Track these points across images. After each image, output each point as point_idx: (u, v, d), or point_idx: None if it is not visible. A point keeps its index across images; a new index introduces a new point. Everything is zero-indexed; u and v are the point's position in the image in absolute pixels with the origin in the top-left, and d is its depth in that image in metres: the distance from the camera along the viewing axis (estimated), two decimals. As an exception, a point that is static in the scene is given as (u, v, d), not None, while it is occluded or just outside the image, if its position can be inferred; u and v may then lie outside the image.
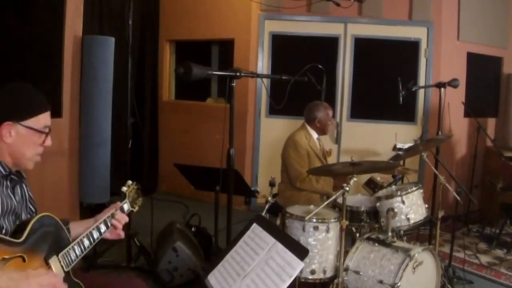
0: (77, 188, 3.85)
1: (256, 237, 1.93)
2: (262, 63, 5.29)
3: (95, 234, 1.74)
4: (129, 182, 2.02)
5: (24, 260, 1.45)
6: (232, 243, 2.01)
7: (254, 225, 2.00)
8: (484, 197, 5.13)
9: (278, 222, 2.79)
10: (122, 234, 1.87)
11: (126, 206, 1.93)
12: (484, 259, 3.96)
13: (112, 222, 1.82)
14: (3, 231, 1.49)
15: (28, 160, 1.64)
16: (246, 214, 4.88)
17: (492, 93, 5.67)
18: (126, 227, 1.93)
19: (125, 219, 1.88)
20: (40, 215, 1.58)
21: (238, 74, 2.41)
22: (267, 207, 2.80)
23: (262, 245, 1.87)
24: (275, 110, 5.11)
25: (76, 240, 1.66)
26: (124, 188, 1.97)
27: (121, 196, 1.96)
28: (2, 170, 1.58)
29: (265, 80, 4.81)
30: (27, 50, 3.39)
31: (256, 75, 2.89)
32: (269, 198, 2.81)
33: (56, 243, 1.60)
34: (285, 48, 5.28)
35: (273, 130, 5.23)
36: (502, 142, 5.36)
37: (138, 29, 5.69)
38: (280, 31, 5.27)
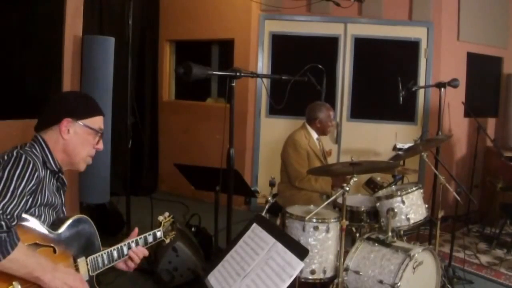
0: (77, 188, 3.85)
1: (256, 237, 1.93)
2: (262, 63, 5.29)
3: (125, 250, 1.79)
4: (166, 213, 2.05)
5: (55, 251, 1.52)
6: (232, 243, 2.01)
7: (254, 225, 2.00)
8: (484, 197, 5.13)
9: (278, 222, 2.79)
10: (131, 267, 1.86)
11: (159, 234, 1.97)
12: (484, 259, 3.96)
13: (130, 254, 1.81)
14: (41, 220, 1.54)
15: (81, 160, 1.70)
16: (246, 214, 4.88)
17: (492, 93, 5.67)
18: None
19: (145, 253, 1.88)
20: (79, 215, 1.66)
21: (238, 74, 2.40)
22: (267, 207, 2.80)
23: (262, 245, 1.86)
24: (275, 110, 5.11)
25: (107, 250, 1.72)
26: (161, 218, 2.01)
27: (157, 224, 2.00)
28: (54, 166, 1.63)
29: (265, 80, 4.80)
30: (27, 50, 3.39)
31: (256, 75, 2.88)
32: (269, 198, 2.81)
33: (88, 246, 1.67)
34: (285, 48, 5.28)
35: (273, 130, 5.23)
36: (502, 142, 5.36)
37: (138, 29, 5.69)
38: (280, 31, 5.27)
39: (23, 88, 3.36)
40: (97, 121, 1.71)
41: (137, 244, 1.84)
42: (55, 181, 1.66)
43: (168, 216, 2.05)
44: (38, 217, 1.53)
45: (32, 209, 1.51)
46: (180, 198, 5.44)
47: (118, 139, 4.40)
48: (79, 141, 1.66)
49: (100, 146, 1.74)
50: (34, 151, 1.58)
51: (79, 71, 3.83)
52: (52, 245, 1.51)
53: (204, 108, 5.89)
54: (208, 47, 6.03)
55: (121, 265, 1.84)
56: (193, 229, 3.80)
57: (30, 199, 1.48)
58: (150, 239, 1.91)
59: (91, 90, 3.79)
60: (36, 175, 1.48)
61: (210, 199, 3.33)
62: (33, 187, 1.48)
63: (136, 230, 1.92)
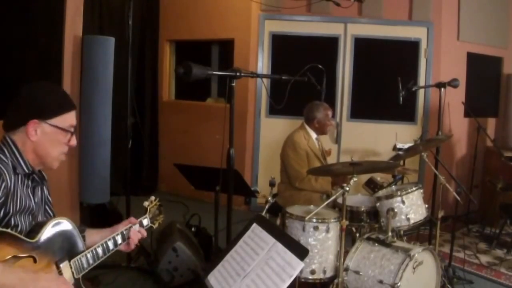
0: (77, 188, 3.85)
1: (256, 237, 1.93)
2: (262, 63, 5.29)
3: (111, 245, 1.73)
4: (152, 197, 2.02)
5: (35, 261, 1.44)
6: (232, 243, 2.01)
7: (254, 225, 2.00)
8: (484, 197, 5.13)
9: (278, 222, 2.79)
10: (132, 247, 1.85)
11: (145, 221, 1.93)
12: (484, 259, 3.96)
13: (130, 234, 1.80)
14: (18, 229, 1.48)
15: (53, 160, 1.63)
16: (246, 214, 4.88)
17: (492, 93, 5.67)
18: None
19: (143, 234, 1.87)
20: (57, 218, 1.58)
21: (238, 74, 2.40)
22: (267, 207, 2.79)
23: (262, 245, 1.86)
24: (275, 110, 5.11)
25: (90, 249, 1.65)
26: (146, 203, 1.97)
27: (143, 211, 1.96)
28: (25, 168, 1.57)
29: (265, 80, 4.80)
30: (27, 50, 3.39)
31: (256, 75, 2.88)
32: (269, 198, 2.81)
33: (70, 248, 1.59)
34: (285, 48, 5.28)
35: (273, 130, 5.23)
36: (502, 142, 5.36)
37: (138, 29, 5.69)
38: (280, 31, 5.27)
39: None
40: (67, 119, 1.62)
41: (123, 237, 1.79)
42: (29, 182, 1.60)
43: (154, 200, 2.01)
44: (15, 227, 1.47)
45: (6, 220, 1.45)
46: (180, 198, 5.44)
47: (118, 139, 4.40)
48: (49, 141, 1.59)
49: (73, 142, 1.65)
50: (2, 156, 1.51)
51: (79, 71, 3.83)
52: (32, 254, 1.43)
53: (204, 108, 5.89)
54: (208, 47, 6.03)
55: (121, 247, 1.81)
56: (193, 229, 3.81)
57: (2, 212, 1.42)
58: (135, 228, 1.86)
59: (91, 90, 3.79)
60: (3, 186, 1.42)
61: (210, 199, 3.33)
62: (2, 199, 1.42)
63: (132, 219, 1.88)
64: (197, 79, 2.28)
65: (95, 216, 4.06)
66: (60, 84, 3.61)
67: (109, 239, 1.73)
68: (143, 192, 5.53)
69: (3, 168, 1.45)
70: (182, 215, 4.79)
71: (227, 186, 2.53)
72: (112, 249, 1.74)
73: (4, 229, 1.40)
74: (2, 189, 1.41)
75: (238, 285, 1.78)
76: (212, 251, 3.52)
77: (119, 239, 1.77)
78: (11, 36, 3.28)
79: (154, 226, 2.00)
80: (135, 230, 1.84)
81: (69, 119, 1.63)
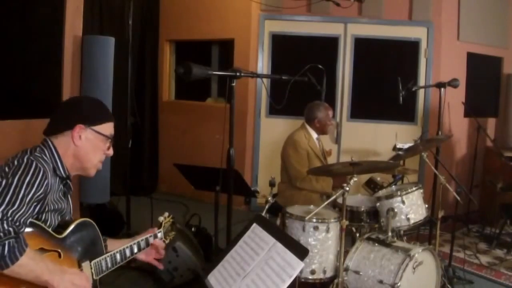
0: (77, 188, 3.85)
1: (256, 237, 1.93)
2: (262, 63, 5.29)
3: (128, 253, 1.83)
4: (166, 214, 2.08)
5: (59, 256, 1.54)
6: (232, 243, 2.01)
7: (254, 225, 2.00)
8: (484, 197, 5.13)
9: (278, 222, 2.79)
10: (162, 253, 1.97)
11: (159, 235, 2.00)
12: (484, 259, 3.96)
13: (153, 242, 1.91)
14: (47, 224, 1.55)
15: (92, 166, 1.72)
16: (246, 214, 4.89)
17: (492, 93, 5.67)
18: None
19: (162, 246, 1.97)
20: (82, 219, 1.67)
21: (238, 74, 2.41)
22: (267, 207, 2.79)
23: (262, 245, 1.86)
24: (275, 110, 5.11)
25: (110, 253, 1.75)
26: (161, 218, 2.03)
27: (157, 225, 2.03)
28: (62, 172, 1.64)
29: (265, 80, 4.80)
30: (27, 50, 3.39)
31: (256, 75, 2.88)
32: (269, 198, 2.81)
33: (92, 249, 1.69)
34: (285, 48, 5.28)
35: (273, 130, 5.23)
36: (502, 142, 5.36)
37: (138, 29, 5.69)
38: (280, 31, 5.27)
39: (23, 88, 3.36)
40: (108, 128, 1.74)
41: (139, 246, 1.88)
42: (62, 187, 1.67)
43: (168, 217, 2.07)
44: (44, 222, 1.54)
45: (39, 215, 1.52)
46: (180, 198, 5.44)
47: (118, 139, 4.38)
48: (91, 147, 1.68)
49: (111, 151, 1.78)
50: (44, 157, 1.58)
51: (79, 71, 3.83)
52: (57, 249, 1.53)
53: (204, 108, 5.89)
54: (208, 47, 6.03)
55: (143, 256, 1.92)
56: (193, 229, 3.80)
57: (38, 206, 1.49)
58: (151, 240, 1.94)
59: (91, 90, 3.79)
60: (45, 183, 1.49)
61: (210, 199, 3.33)
62: (42, 195, 1.48)
63: (155, 229, 1.97)
64: (197, 79, 2.28)
65: (95, 216, 4.05)
66: (60, 84, 3.61)
67: (127, 247, 1.83)
68: (143, 192, 5.53)
69: (46, 167, 1.53)
70: (182, 215, 4.79)
71: (227, 186, 2.53)
72: (129, 257, 1.84)
73: (36, 221, 1.49)
74: (44, 186, 1.49)
75: (238, 285, 1.78)
76: (212, 251, 3.52)
77: (135, 248, 1.87)
78: (11, 36, 3.28)
79: (166, 242, 2.06)
80: (157, 240, 1.95)
81: (110, 128, 1.76)
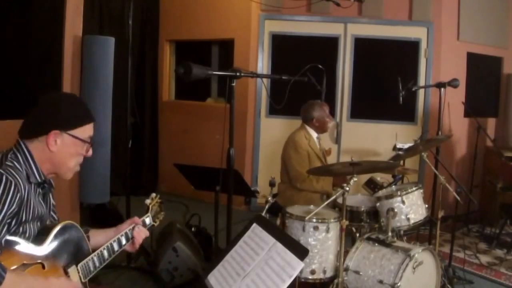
0: (77, 188, 3.85)
1: (256, 237, 1.93)
2: (262, 63, 5.29)
3: (116, 247, 1.75)
4: (153, 194, 2.02)
5: (43, 267, 1.46)
6: (232, 243, 2.01)
7: (254, 225, 2.00)
8: (484, 197, 5.13)
9: (278, 222, 2.79)
10: (137, 247, 1.87)
11: (148, 220, 1.94)
12: (484, 259, 3.96)
13: (134, 234, 1.81)
14: (26, 235, 1.49)
15: (68, 170, 1.66)
16: (246, 214, 4.88)
17: (492, 93, 5.66)
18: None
19: (146, 233, 1.88)
20: (64, 223, 1.59)
21: (238, 74, 2.40)
22: (267, 207, 2.79)
23: (262, 245, 1.87)
24: (275, 110, 5.11)
25: (96, 252, 1.67)
26: (148, 201, 1.97)
27: (145, 209, 1.96)
28: (38, 178, 1.57)
29: (265, 80, 4.80)
30: (27, 50, 3.39)
31: (256, 75, 2.88)
32: (269, 198, 2.81)
33: (77, 252, 1.61)
34: (285, 48, 5.28)
35: (273, 130, 5.23)
36: (502, 142, 5.36)
37: (138, 29, 5.69)
38: (280, 31, 5.27)
39: (23, 88, 3.36)
40: (86, 130, 1.65)
41: (126, 237, 1.81)
42: (40, 190, 1.61)
43: (155, 197, 2.01)
44: (23, 233, 1.47)
45: (17, 228, 1.45)
46: (180, 198, 5.44)
47: (118, 139, 4.40)
48: (67, 152, 1.61)
49: (90, 153, 1.69)
50: (17, 164, 1.51)
51: (79, 71, 3.82)
52: (40, 261, 1.45)
53: (204, 108, 5.89)
54: (208, 47, 6.03)
55: (126, 247, 1.82)
56: (193, 229, 3.80)
57: (14, 221, 1.42)
58: (139, 228, 1.87)
59: (91, 90, 3.79)
60: (18, 197, 1.42)
61: (210, 199, 3.33)
62: (15, 209, 1.42)
63: (135, 218, 1.89)
64: (197, 79, 2.28)
65: (95, 216, 4.06)
66: (60, 84, 3.61)
67: (114, 241, 1.75)
68: (143, 192, 5.51)
69: (18, 178, 1.45)
70: (182, 215, 4.79)
71: (227, 186, 2.53)
72: (117, 250, 1.76)
73: (13, 238, 1.42)
74: (16, 200, 1.42)
75: (238, 285, 1.78)
76: (212, 251, 3.52)
77: (123, 240, 1.79)
78: (11, 36, 3.28)
79: (156, 224, 2.00)
80: (139, 230, 1.85)
81: (88, 130, 1.66)
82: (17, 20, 3.31)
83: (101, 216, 4.02)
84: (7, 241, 1.40)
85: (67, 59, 3.63)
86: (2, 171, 1.42)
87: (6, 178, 1.40)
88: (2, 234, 1.36)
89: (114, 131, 4.01)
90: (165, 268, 3.18)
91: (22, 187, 1.45)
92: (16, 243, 1.42)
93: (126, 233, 1.81)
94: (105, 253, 1.70)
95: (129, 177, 3.70)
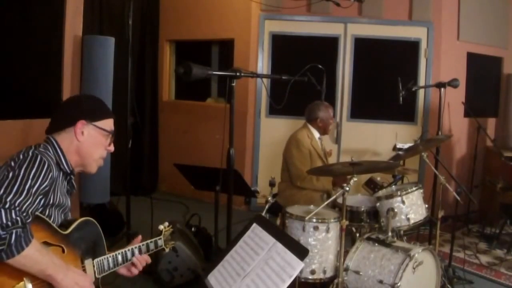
0: (78, 188, 3.85)
1: (256, 237, 1.93)
2: (262, 63, 5.29)
3: (129, 255, 1.85)
4: (166, 223, 2.08)
5: (63, 251, 1.56)
6: (232, 243, 2.01)
7: (254, 225, 2.00)
8: (484, 197, 5.13)
9: (278, 222, 2.79)
10: (134, 273, 1.93)
11: (160, 242, 2.01)
12: (484, 259, 3.96)
13: (134, 261, 1.88)
14: (51, 220, 1.57)
15: (93, 161, 1.75)
16: (246, 214, 4.88)
17: (492, 93, 5.67)
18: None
19: (147, 260, 1.94)
20: (86, 218, 1.70)
21: (238, 74, 2.41)
22: (267, 207, 2.79)
23: (262, 245, 1.86)
24: (275, 110, 5.11)
25: (113, 253, 1.77)
26: (161, 227, 2.04)
27: (158, 233, 2.03)
28: (67, 167, 1.66)
29: (265, 80, 4.80)
30: (27, 50, 3.39)
31: (256, 75, 2.88)
32: (269, 198, 2.81)
33: (94, 248, 1.71)
34: (285, 48, 5.28)
35: (273, 130, 5.23)
36: (502, 142, 5.36)
37: (138, 29, 5.69)
38: (280, 31, 5.27)
39: (23, 88, 3.36)
40: (109, 123, 1.76)
41: (140, 250, 1.89)
42: (66, 183, 1.70)
43: (168, 226, 2.08)
44: (48, 217, 1.56)
45: (44, 210, 1.53)
46: (180, 198, 5.44)
47: (118, 139, 4.37)
48: (93, 142, 1.70)
49: (112, 147, 1.80)
50: (48, 152, 1.60)
51: (79, 71, 3.83)
52: (61, 244, 1.55)
53: (204, 108, 5.89)
54: (208, 47, 6.03)
55: (122, 270, 1.89)
56: (193, 229, 3.80)
57: (43, 199, 1.51)
58: (152, 246, 1.95)
59: (91, 90, 3.79)
60: (50, 176, 1.51)
61: (210, 199, 3.33)
62: (47, 188, 1.50)
63: (140, 237, 1.94)
64: (197, 79, 2.28)
65: (95, 216, 4.05)
66: (60, 84, 3.61)
67: (128, 250, 1.85)
68: (143, 192, 5.54)
69: (51, 161, 1.55)
70: (182, 215, 4.79)
71: (227, 186, 2.53)
72: (130, 259, 1.85)
73: (41, 215, 1.51)
74: (48, 179, 1.51)
75: (238, 285, 1.78)
76: (212, 251, 3.52)
77: (136, 251, 1.88)
78: (11, 36, 3.28)
79: (166, 250, 2.06)
80: (142, 256, 1.90)
81: (110, 124, 1.78)
82: (17, 20, 3.31)
83: (101, 216, 4.02)
84: (36, 218, 1.47)
85: (67, 59, 3.64)
86: (37, 152, 1.53)
87: (41, 157, 1.51)
88: (35, 205, 1.44)
89: (114, 130, 4.02)
90: (165, 268, 3.18)
91: (54, 169, 1.56)
92: (43, 220, 1.51)
93: (139, 247, 1.89)
94: (119, 257, 1.80)
95: (129, 177, 3.70)
